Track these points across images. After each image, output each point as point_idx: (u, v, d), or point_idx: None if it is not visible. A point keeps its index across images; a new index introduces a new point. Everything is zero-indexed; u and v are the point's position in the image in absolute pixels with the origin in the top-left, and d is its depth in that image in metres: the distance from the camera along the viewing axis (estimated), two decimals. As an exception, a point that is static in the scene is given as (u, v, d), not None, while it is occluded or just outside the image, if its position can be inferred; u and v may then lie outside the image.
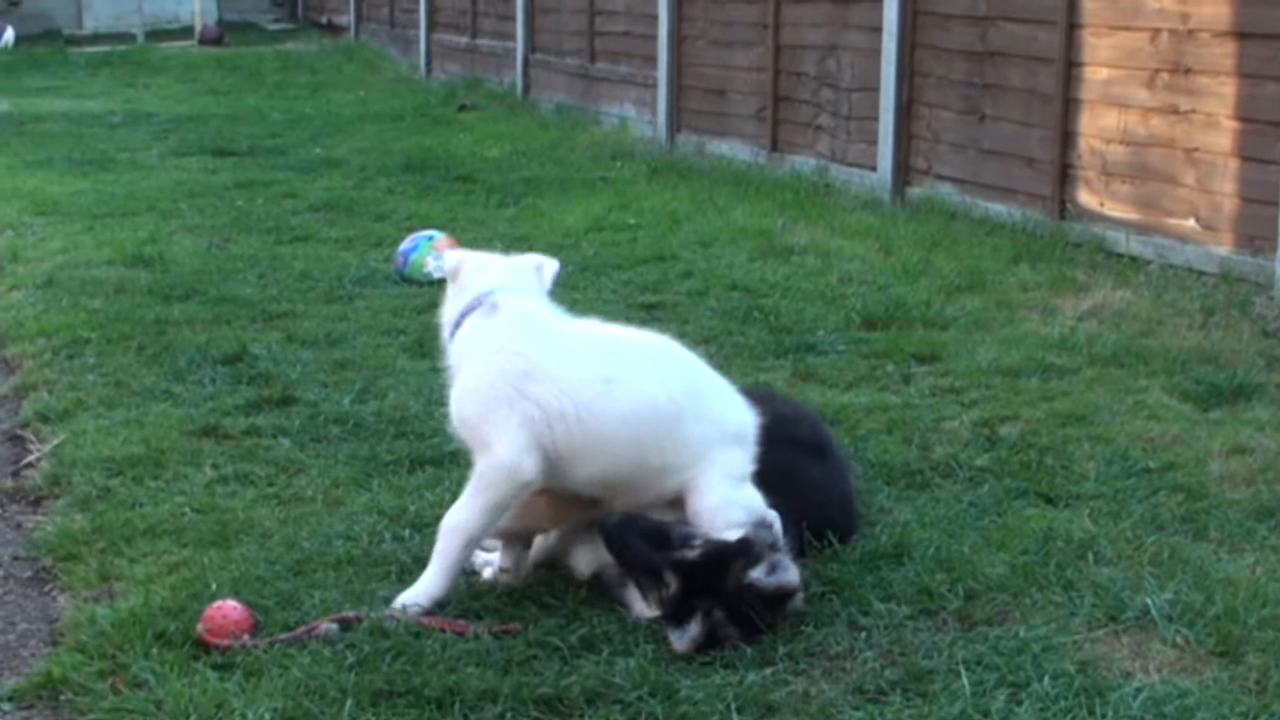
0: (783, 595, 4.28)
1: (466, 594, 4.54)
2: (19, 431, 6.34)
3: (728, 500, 4.45)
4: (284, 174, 12.91)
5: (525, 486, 4.42)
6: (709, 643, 4.17)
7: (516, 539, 4.62)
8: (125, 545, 4.97)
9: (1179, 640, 4.23)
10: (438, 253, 8.81)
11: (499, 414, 4.40)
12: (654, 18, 14.62)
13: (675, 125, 14.42)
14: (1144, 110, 9.08)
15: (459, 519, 4.45)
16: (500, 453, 4.39)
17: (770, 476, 4.60)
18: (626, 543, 4.34)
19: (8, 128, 15.99)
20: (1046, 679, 3.96)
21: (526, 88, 17.99)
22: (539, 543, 4.72)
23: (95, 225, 10.54)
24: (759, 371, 6.89)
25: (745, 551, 4.26)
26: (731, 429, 4.58)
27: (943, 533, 4.93)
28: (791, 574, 4.29)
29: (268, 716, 3.84)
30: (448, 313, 4.69)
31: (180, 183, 12.49)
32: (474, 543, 4.53)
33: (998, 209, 10.11)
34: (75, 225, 10.56)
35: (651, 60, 14.78)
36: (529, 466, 4.38)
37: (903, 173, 11.18)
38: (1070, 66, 9.58)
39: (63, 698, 4.07)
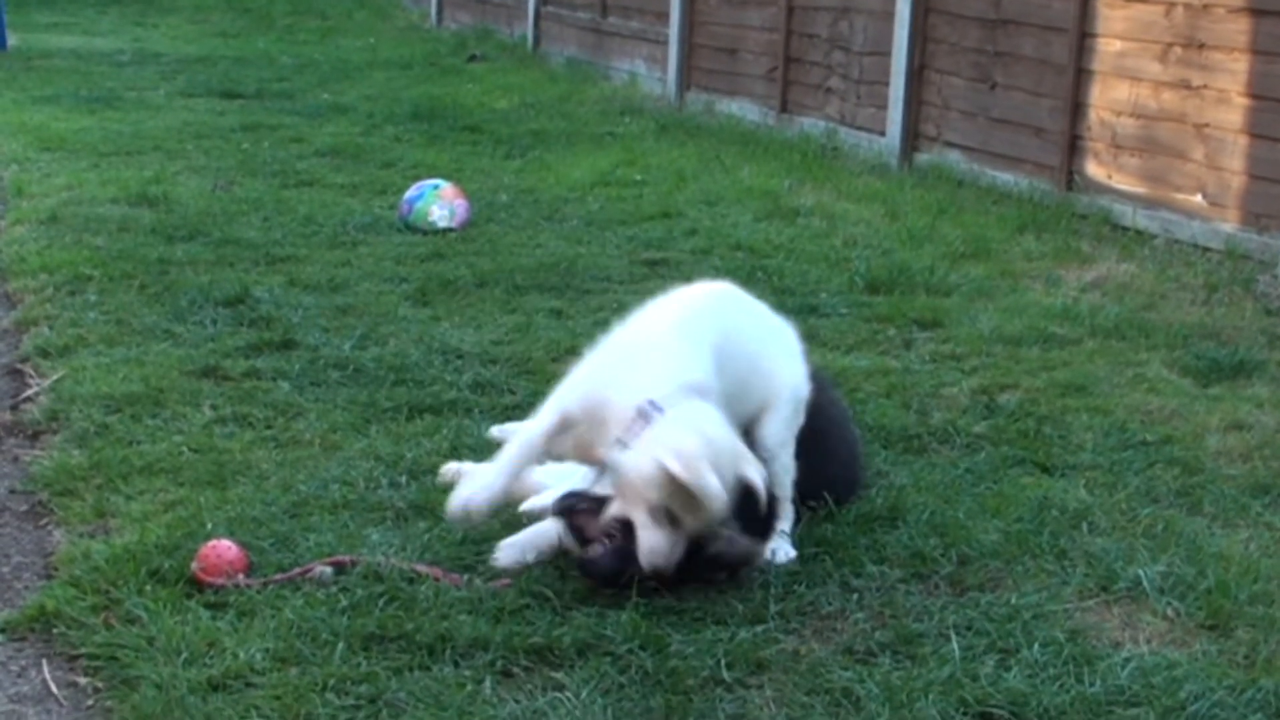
0: (743, 562, 4.34)
1: (457, 543, 4.55)
2: (19, 366, 6.34)
3: (784, 439, 4.54)
4: (291, 118, 12.89)
5: None
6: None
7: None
8: (122, 482, 4.98)
9: (1169, 612, 4.24)
10: (442, 201, 8.82)
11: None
12: (667, -26, 14.57)
13: (685, 83, 14.37)
14: (1155, 84, 9.05)
15: None
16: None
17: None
18: (616, 578, 4.23)
19: (15, 63, 15.94)
20: (1036, 646, 3.97)
21: (537, 40, 17.91)
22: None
23: (100, 163, 10.54)
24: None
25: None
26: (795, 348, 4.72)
27: (938, 498, 4.94)
28: (744, 543, 4.32)
29: (259, 656, 3.85)
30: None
31: (187, 123, 12.47)
32: None
33: (1005, 178, 10.09)
34: (80, 162, 10.54)
35: (663, 17, 14.72)
36: None
37: (911, 138, 11.15)
38: (1083, 37, 9.54)
39: (55, 631, 4.09)
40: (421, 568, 4.32)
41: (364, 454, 5.25)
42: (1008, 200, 9.73)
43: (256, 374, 6.09)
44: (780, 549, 4.49)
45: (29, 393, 5.99)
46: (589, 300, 7.36)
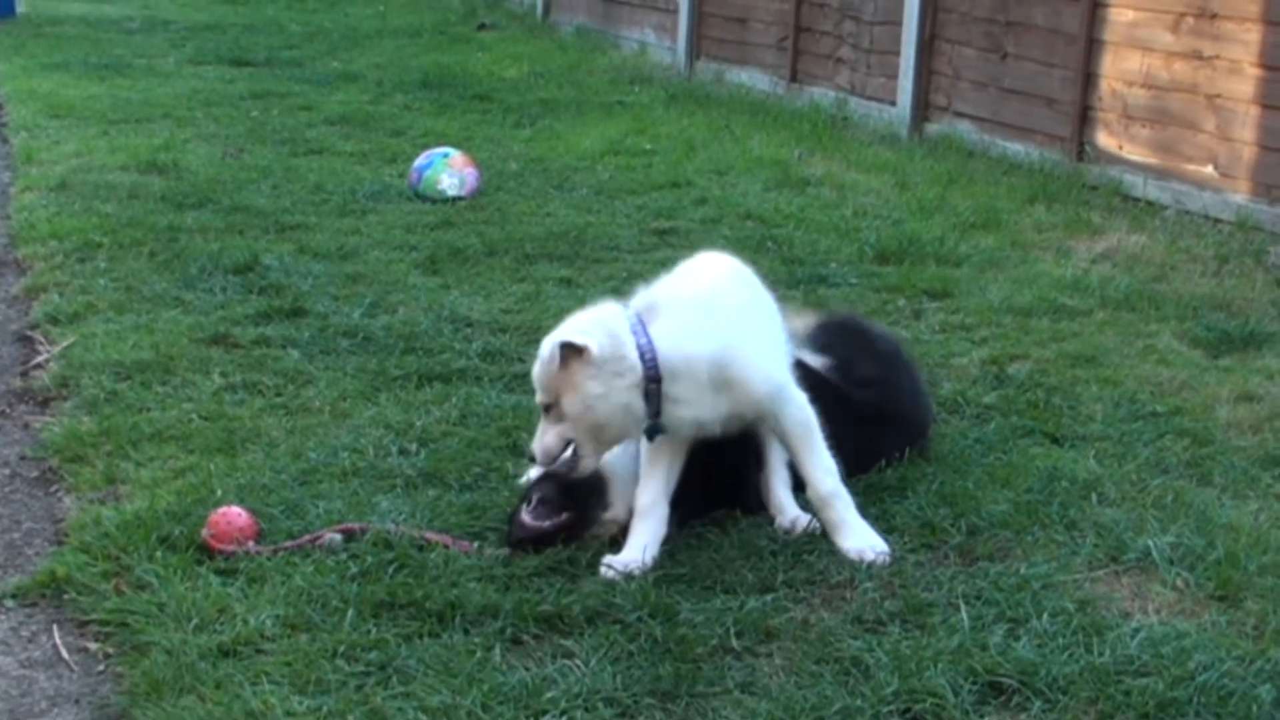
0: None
1: (466, 511, 4.55)
2: (29, 332, 6.36)
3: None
4: (300, 86, 12.87)
5: None
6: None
7: None
8: (132, 449, 4.99)
9: (1179, 583, 4.24)
10: (452, 170, 8.81)
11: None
12: (677, -58, 14.51)
13: (695, 52, 14.33)
14: (1167, 54, 9.02)
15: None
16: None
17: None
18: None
19: (25, 29, 15.92)
20: (1045, 616, 3.97)
21: (547, 9, 17.87)
22: None
23: (110, 130, 10.53)
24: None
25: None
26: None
27: (947, 468, 4.94)
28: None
29: (269, 622, 3.87)
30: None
31: (196, 91, 12.45)
32: None
33: (1016, 148, 10.06)
34: (90, 129, 10.54)
35: (673, -15, 14.68)
36: None
37: (922, 108, 11.12)
38: (1095, 7, 9.50)
39: (66, 596, 4.11)
40: (431, 535, 4.33)
41: (373, 422, 5.25)
42: (1018, 171, 9.70)
43: (266, 341, 6.10)
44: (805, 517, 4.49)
45: (39, 359, 6.00)
46: (599, 269, 7.36)
